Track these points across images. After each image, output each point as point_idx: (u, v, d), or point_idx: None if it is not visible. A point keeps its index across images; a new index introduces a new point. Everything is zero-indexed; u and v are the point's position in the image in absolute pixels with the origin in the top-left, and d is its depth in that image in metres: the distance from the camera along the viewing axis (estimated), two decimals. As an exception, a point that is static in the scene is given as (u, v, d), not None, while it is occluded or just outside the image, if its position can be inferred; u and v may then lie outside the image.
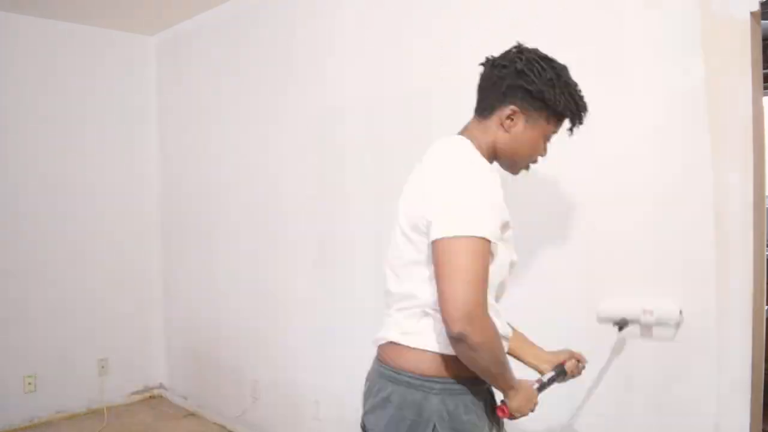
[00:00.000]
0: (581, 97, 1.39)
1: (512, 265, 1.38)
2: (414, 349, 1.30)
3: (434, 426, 1.26)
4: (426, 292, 1.29)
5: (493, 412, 1.36)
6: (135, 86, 4.01)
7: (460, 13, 2.28)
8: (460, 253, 1.18)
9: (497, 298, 1.38)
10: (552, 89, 1.32)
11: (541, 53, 1.37)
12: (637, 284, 1.82)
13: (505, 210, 1.31)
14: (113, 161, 3.92)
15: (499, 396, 1.38)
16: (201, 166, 3.72)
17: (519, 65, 1.32)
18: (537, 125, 1.36)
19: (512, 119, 1.34)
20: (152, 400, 4.05)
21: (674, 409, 1.75)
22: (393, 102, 2.54)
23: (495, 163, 1.42)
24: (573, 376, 1.56)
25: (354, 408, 2.77)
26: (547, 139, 1.41)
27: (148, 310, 4.07)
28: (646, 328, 1.78)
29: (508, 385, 1.33)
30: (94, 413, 3.75)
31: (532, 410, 1.38)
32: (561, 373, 1.52)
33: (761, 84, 1.65)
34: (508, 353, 1.40)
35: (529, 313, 2.09)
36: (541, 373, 1.54)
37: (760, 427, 1.69)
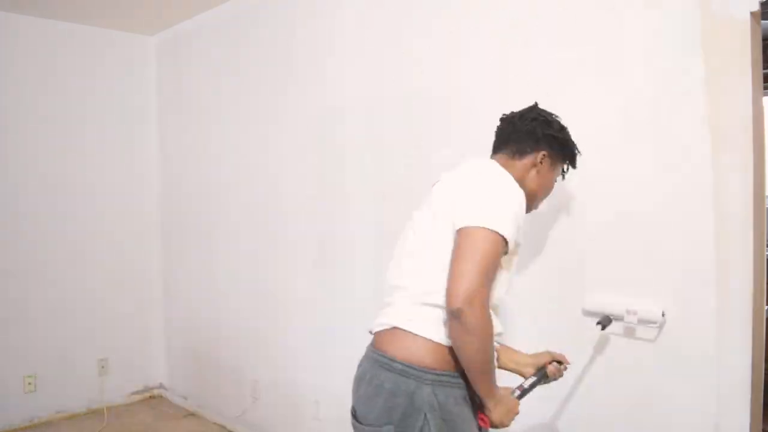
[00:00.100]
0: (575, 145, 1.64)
1: (509, 281, 1.48)
2: (415, 336, 1.37)
3: (425, 415, 1.33)
4: (434, 283, 1.36)
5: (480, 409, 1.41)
6: (135, 86, 4.01)
7: (460, 13, 2.28)
8: (479, 239, 1.30)
9: (494, 304, 1.44)
10: (567, 137, 1.60)
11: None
12: (636, 284, 1.82)
13: (521, 231, 1.43)
14: (113, 161, 3.92)
15: None
16: (201, 166, 3.73)
17: (549, 118, 1.58)
18: (556, 168, 1.61)
19: (542, 162, 1.55)
20: (152, 400, 4.05)
21: (674, 409, 1.75)
22: (393, 102, 2.54)
23: None
24: (555, 379, 1.60)
25: (354, 408, 2.77)
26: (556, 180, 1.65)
27: (148, 310, 4.07)
28: (644, 327, 1.79)
29: (490, 392, 1.38)
30: (94, 413, 3.75)
31: (512, 419, 1.43)
32: (543, 377, 1.54)
33: (761, 84, 1.65)
34: None
35: (522, 312, 2.10)
36: (523, 376, 1.57)
37: (760, 427, 1.69)
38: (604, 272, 1.90)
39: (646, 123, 1.79)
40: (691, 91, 1.69)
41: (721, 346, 1.65)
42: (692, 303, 1.70)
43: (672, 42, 1.73)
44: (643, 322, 1.77)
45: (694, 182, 1.70)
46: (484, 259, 1.28)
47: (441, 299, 1.33)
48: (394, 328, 1.41)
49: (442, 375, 1.35)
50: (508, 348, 1.67)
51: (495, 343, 1.42)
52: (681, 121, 1.72)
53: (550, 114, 1.60)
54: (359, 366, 1.49)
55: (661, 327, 1.76)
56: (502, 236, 1.32)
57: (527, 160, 1.54)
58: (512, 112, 1.62)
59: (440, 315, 1.36)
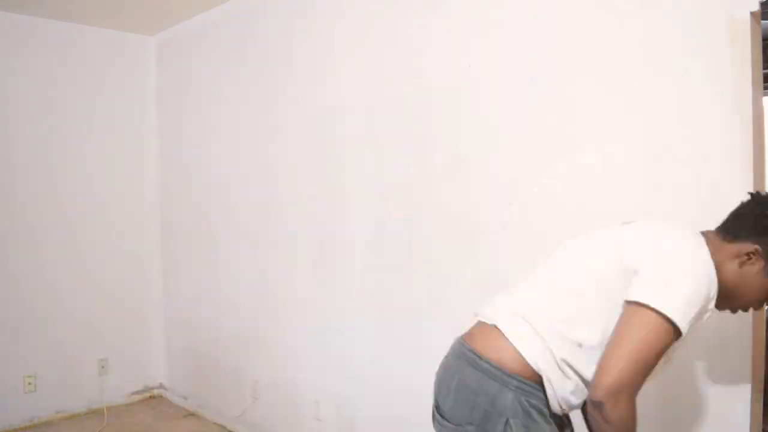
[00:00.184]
0: None
1: (662, 369, 1.32)
2: (510, 343, 1.30)
3: (507, 420, 1.27)
4: (570, 324, 1.28)
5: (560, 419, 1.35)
6: (135, 86, 4.01)
7: (461, 14, 2.28)
8: (649, 326, 1.17)
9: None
10: None
11: None
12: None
13: (701, 321, 1.26)
14: (113, 161, 3.91)
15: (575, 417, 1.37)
16: (201, 166, 3.72)
17: None
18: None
19: (751, 258, 1.29)
20: (152, 400, 4.05)
21: (674, 408, 1.74)
22: (393, 102, 2.54)
23: None
24: None
25: (354, 408, 2.78)
26: None
27: (148, 310, 4.07)
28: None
29: None
30: (94, 413, 3.75)
31: None
32: None
33: (761, 84, 1.65)
34: None
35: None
36: None
37: (760, 427, 1.69)
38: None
39: (645, 123, 1.79)
40: (691, 91, 1.69)
41: (721, 346, 1.66)
42: (692, 303, 1.70)
43: (672, 42, 1.74)
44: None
45: (693, 182, 1.70)
46: (644, 351, 1.16)
47: (551, 334, 1.27)
48: (495, 326, 1.34)
49: (526, 383, 1.28)
50: None
51: None
52: (681, 121, 1.72)
53: None
54: (446, 357, 1.43)
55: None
56: (675, 326, 1.16)
57: (735, 247, 1.30)
58: (758, 192, 1.38)
59: (541, 342, 1.28)
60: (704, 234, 1.34)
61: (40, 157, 3.63)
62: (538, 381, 1.29)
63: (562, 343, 1.28)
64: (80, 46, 3.76)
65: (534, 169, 2.07)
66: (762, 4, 1.57)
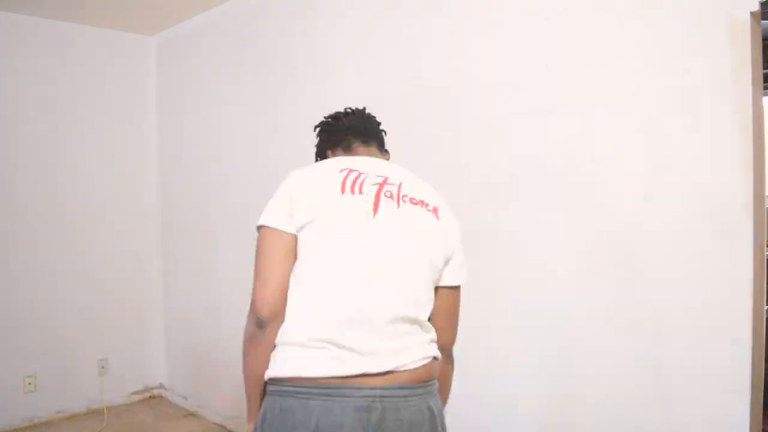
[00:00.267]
0: None
1: None
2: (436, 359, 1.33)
3: (443, 420, 1.32)
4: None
5: None
6: (135, 86, 4.01)
7: (461, 14, 2.28)
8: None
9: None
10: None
11: None
12: (635, 283, 1.82)
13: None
14: (113, 161, 3.91)
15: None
16: (201, 166, 3.72)
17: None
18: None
19: None
20: (152, 400, 4.05)
21: (674, 408, 1.74)
22: (393, 102, 2.54)
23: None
24: None
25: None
26: None
27: (148, 310, 4.07)
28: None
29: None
30: (94, 413, 3.75)
31: None
32: None
33: (761, 84, 1.65)
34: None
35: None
36: None
37: (760, 427, 1.69)
38: (610, 272, 1.90)
39: (645, 123, 1.79)
40: (691, 91, 1.69)
41: (721, 346, 1.65)
42: (691, 302, 1.70)
43: (672, 42, 1.73)
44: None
45: (693, 182, 1.70)
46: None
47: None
48: (436, 357, 1.33)
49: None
50: None
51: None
52: (681, 121, 1.72)
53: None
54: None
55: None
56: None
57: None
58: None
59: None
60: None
61: (40, 157, 3.63)
62: None
63: None
64: (80, 46, 3.76)
65: (534, 169, 2.07)
66: (762, 4, 1.57)
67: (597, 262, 1.91)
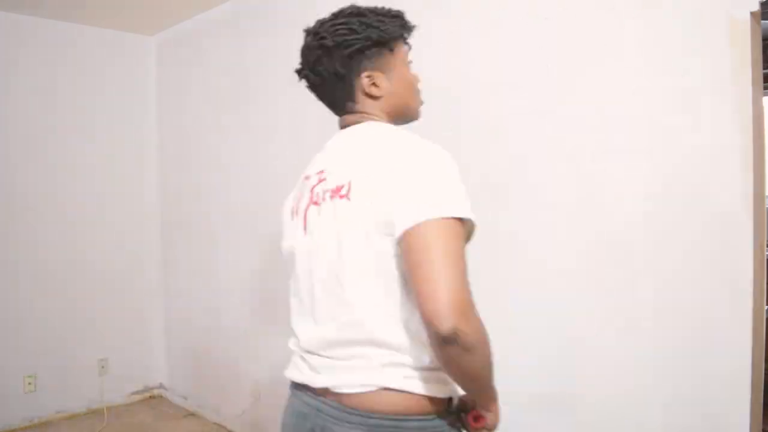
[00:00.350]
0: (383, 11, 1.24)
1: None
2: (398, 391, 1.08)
3: None
4: (378, 318, 1.09)
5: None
6: (135, 86, 4.02)
7: (461, 14, 2.28)
8: (441, 236, 0.99)
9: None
10: (366, 29, 1.21)
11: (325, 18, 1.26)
12: (635, 283, 1.82)
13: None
14: (113, 161, 3.92)
15: None
16: (201, 166, 3.72)
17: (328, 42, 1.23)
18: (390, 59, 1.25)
19: (371, 77, 1.25)
20: (152, 400, 4.05)
21: (674, 408, 1.74)
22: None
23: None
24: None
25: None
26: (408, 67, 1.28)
27: (148, 310, 4.07)
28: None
29: (493, 396, 1.14)
30: (94, 413, 3.75)
31: None
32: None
33: (761, 84, 1.65)
34: None
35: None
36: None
37: (760, 427, 1.69)
38: (609, 272, 1.90)
39: (645, 123, 1.79)
40: (691, 91, 1.69)
41: (721, 346, 1.65)
42: (691, 303, 1.70)
43: (672, 42, 1.73)
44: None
45: (693, 182, 1.70)
46: (458, 259, 1.00)
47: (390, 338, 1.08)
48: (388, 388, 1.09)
49: (428, 418, 1.10)
50: None
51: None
52: (681, 121, 1.72)
53: (330, 23, 1.27)
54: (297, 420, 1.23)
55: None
56: (463, 219, 1.04)
57: (361, 91, 1.28)
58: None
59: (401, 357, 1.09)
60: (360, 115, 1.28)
61: (40, 157, 3.63)
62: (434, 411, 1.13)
63: None
64: (80, 46, 3.76)
65: (534, 169, 2.07)
66: (762, 4, 1.57)
67: (597, 262, 1.91)
